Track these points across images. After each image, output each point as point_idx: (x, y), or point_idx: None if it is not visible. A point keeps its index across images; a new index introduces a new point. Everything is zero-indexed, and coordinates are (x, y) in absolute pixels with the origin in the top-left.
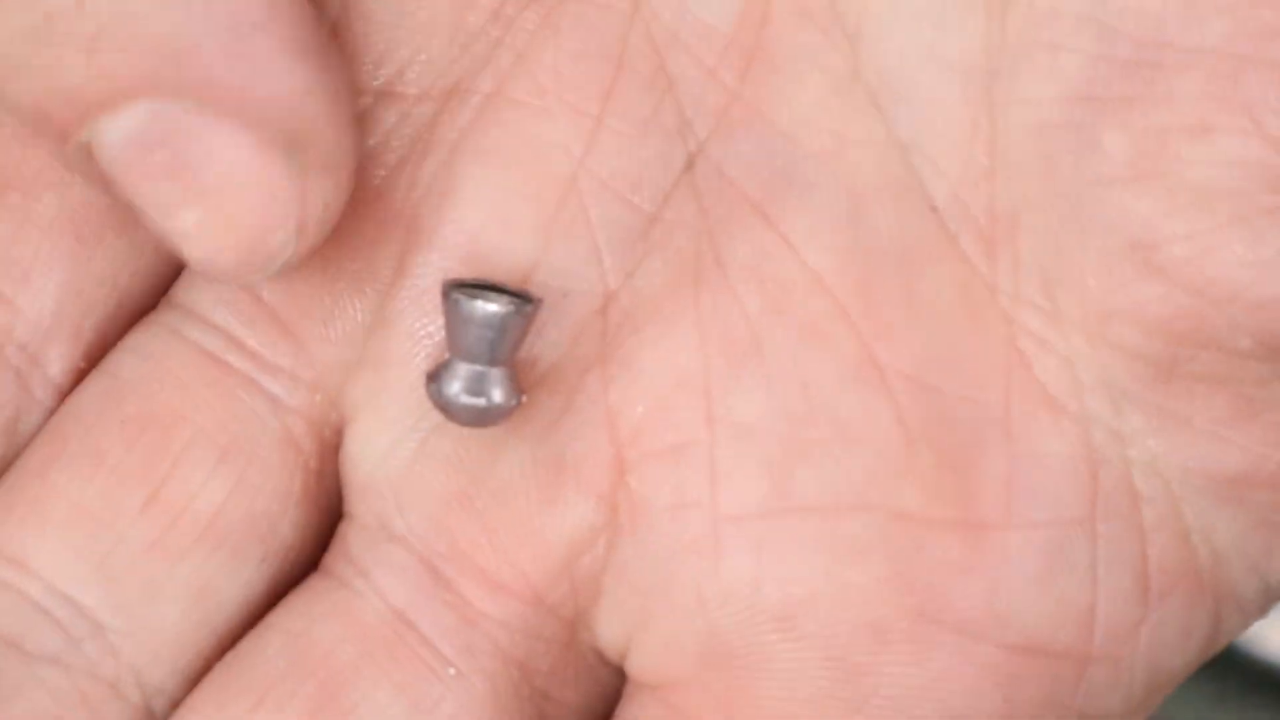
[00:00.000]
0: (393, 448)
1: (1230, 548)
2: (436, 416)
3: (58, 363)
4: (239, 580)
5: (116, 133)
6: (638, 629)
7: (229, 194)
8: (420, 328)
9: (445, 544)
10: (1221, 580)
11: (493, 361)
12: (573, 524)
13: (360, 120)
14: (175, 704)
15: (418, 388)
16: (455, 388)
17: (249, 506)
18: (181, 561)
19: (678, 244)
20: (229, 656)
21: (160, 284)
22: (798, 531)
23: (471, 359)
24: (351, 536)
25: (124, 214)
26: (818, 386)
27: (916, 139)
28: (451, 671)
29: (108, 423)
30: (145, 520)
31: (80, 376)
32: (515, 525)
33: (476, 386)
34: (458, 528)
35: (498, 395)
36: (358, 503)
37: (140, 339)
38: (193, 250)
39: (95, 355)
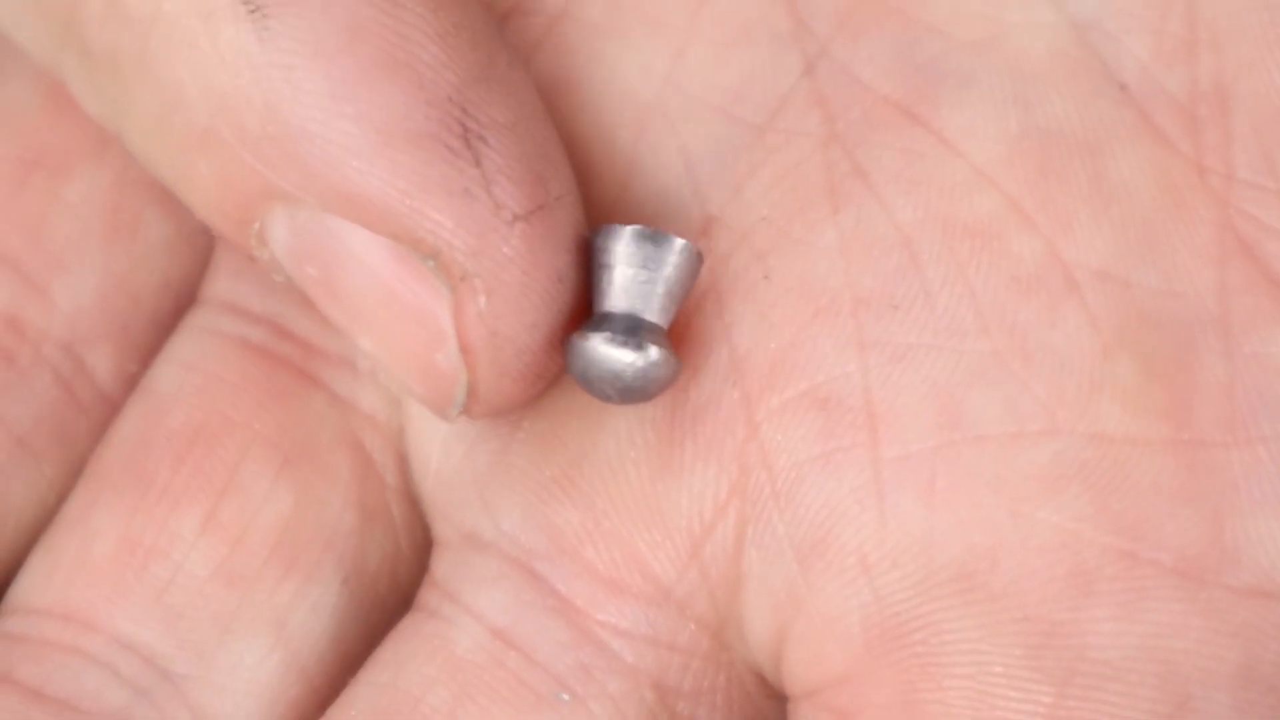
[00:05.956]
0: (480, 441)
1: None
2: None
3: (105, 364)
4: (322, 607)
5: (280, 246)
6: (791, 614)
7: (381, 311)
8: None
9: (546, 540)
10: None
11: (655, 314)
12: (694, 494)
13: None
14: None
15: None
16: (609, 338)
17: (318, 518)
18: (252, 588)
19: (799, 156)
20: None
21: None
22: (975, 467)
23: (631, 307)
24: (436, 559)
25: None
26: (989, 294)
27: (1096, 17)
28: (565, 697)
29: (151, 442)
30: (204, 543)
31: (135, 385)
32: (627, 505)
33: (636, 337)
34: (559, 518)
35: (661, 353)
36: (439, 520)
37: (175, 347)
38: (392, 385)
39: (152, 359)
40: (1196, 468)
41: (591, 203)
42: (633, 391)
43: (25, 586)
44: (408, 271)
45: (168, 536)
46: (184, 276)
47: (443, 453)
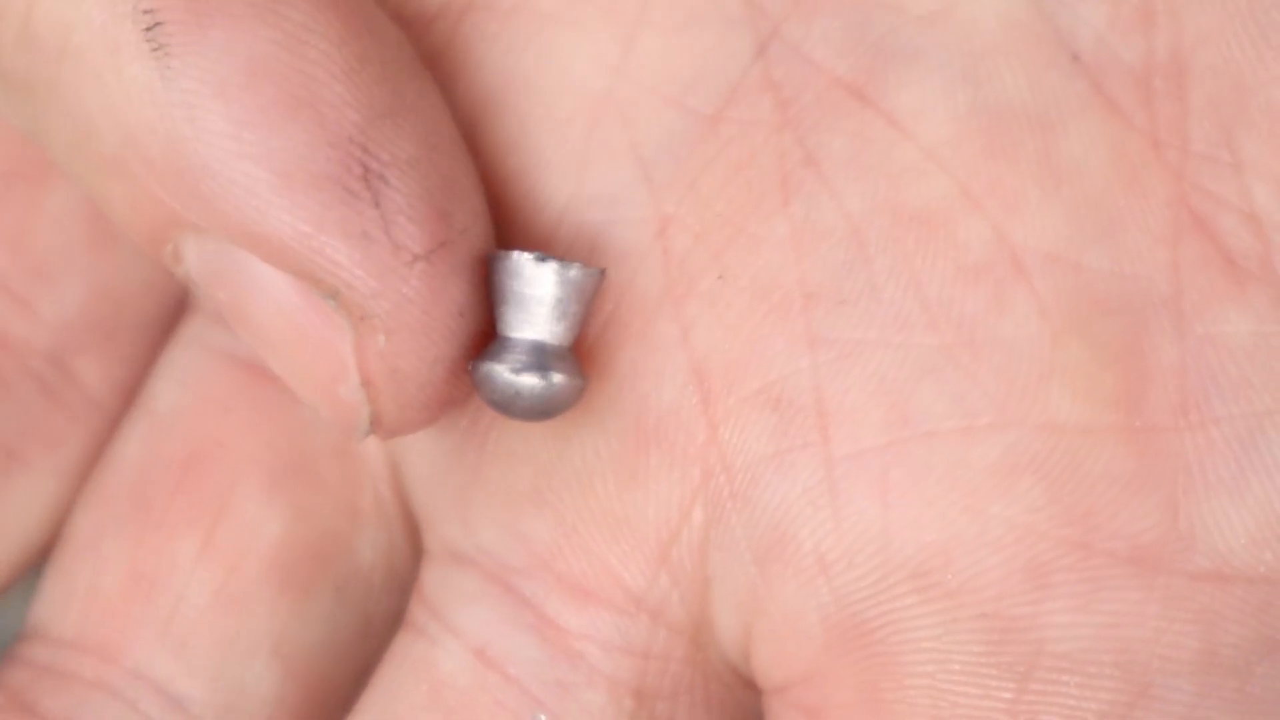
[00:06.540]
0: (456, 455)
1: None
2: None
3: (94, 372)
4: (317, 618)
5: (192, 269)
6: (753, 615)
7: (286, 341)
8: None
9: (521, 555)
10: None
11: (554, 336)
12: (660, 501)
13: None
14: None
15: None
16: (511, 367)
17: (310, 531)
18: (250, 609)
19: (752, 147)
20: None
21: None
22: (927, 464)
23: (530, 333)
24: (424, 572)
25: None
26: (936, 285)
27: None
28: (542, 717)
29: (150, 467)
30: (202, 569)
31: (124, 390)
32: (596, 517)
33: (537, 363)
34: (531, 532)
35: (562, 373)
36: (427, 531)
37: (171, 362)
38: (305, 404)
39: (139, 364)
40: (1149, 454)
41: (546, 205)
42: (537, 414)
43: (44, 614)
44: (310, 307)
45: (168, 565)
46: (167, 280)
47: (430, 464)
